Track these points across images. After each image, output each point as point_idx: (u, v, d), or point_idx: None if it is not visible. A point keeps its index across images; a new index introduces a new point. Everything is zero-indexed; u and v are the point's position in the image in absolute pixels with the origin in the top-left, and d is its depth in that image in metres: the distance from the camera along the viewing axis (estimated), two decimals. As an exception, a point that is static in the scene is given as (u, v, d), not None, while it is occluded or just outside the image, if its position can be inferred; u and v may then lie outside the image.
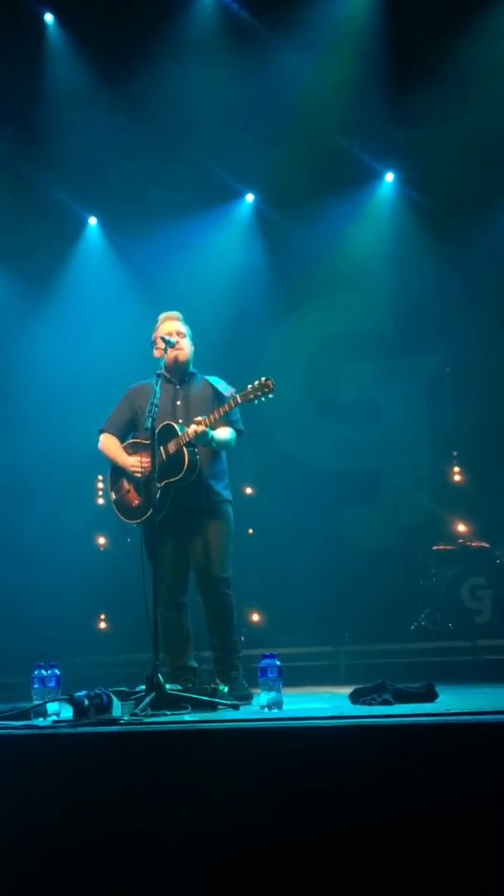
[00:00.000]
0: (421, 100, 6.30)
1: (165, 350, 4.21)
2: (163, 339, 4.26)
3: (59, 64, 6.59)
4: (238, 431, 4.35)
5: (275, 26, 6.34)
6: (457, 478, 7.38)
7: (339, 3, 6.30)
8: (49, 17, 6.54)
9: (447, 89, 6.22)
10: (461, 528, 7.15)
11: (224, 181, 7.25)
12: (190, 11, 6.37)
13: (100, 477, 7.24)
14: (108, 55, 6.37)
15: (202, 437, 4.11)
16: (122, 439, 4.41)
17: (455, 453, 7.43)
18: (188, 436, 4.11)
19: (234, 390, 4.20)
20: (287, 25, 6.30)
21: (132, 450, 4.34)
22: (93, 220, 7.65)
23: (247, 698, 3.98)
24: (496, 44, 6.09)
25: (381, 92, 6.31)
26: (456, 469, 7.40)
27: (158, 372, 4.07)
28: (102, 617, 6.68)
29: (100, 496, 7.32)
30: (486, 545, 6.70)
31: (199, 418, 4.12)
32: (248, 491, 7.24)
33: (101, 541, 7.44)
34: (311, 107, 6.52)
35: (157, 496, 4.02)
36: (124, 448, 4.38)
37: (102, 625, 6.71)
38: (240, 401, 4.13)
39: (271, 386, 4.07)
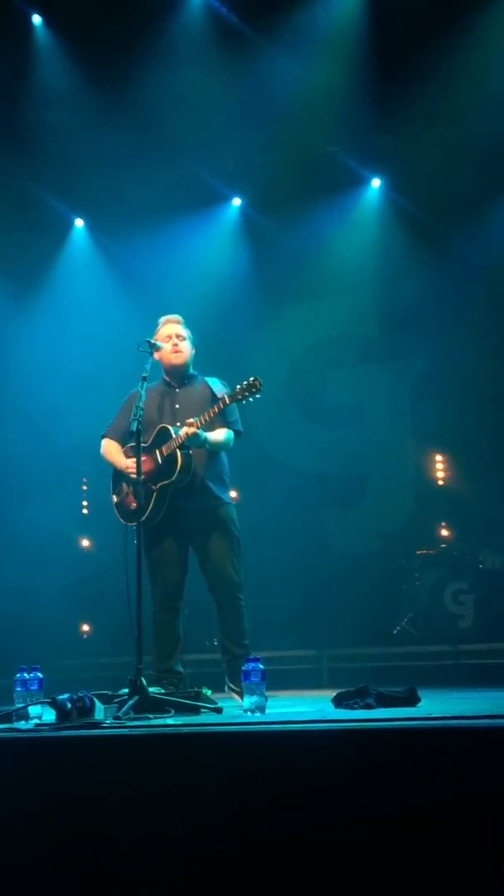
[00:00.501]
0: (407, 106, 6.34)
1: (151, 353, 4.22)
2: (147, 341, 4.27)
3: (47, 65, 6.58)
4: (236, 432, 4.37)
5: (263, 30, 6.36)
6: (441, 482, 7.42)
7: (327, 9, 6.33)
8: (37, 19, 6.52)
9: (434, 96, 6.26)
10: (444, 532, 7.18)
11: (211, 185, 7.26)
12: (178, 14, 6.38)
13: (84, 479, 7.23)
14: (96, 57, 6.37)
15: (194, 439, 4.13)
16: (123, 444, 4.44)
17: (439, 458, 7.47)
18: (180, 438, 4.14)
19: (225, 392, 4.22)
20: (275, 30, 6.33)
21: (132, 453, 4.36)
22: (79, 222, 7.63)
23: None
24: (482, 51, 6.14)
25: (368, 98, 6.34)
26: (440, 474, 7.44)
27: (144, 375, 4.08)
28: (86, 620, 6.67)
29: (84, 506, 7.29)
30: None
31: (191, 420, 4.14)
32: (233, 494, 7.24)
33: (86, 543, 7.42)
34: (298, 112, 6.54)
35: (154, 498, 4.05)
36: (124, 452, 4.41)
37: (86, 628, 6.70)
38: (228, 402, 4.16)
39: (258, 386, 4.10)
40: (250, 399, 4.13)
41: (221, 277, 7.32)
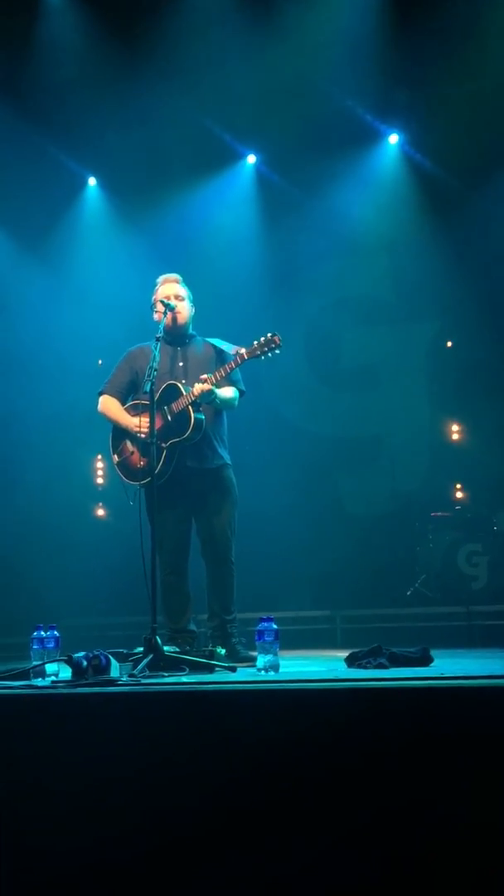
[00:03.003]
0: (428, 59, 6.20)
1: (165, 313, 4.18)
2: (162, 302, 4.23)
3: (57, 22, 6.46)
4: (240, 392, 4.34)
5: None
6: (456, 445, 7.38)
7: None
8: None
9: (455, 49, 6.11)
10: (459, 494, 7.17)
11: (225, 142, 7.15)
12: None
13: (99, 456, 7.22)
14: (107, 12, 6.25)
15: (207, 396, 4.10)
16: (122, 401, 4.39)
17: (454, 420, 7.43)
18: (194, 394, 4.10)
19: (238, 348, 4.18)
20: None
21: (134, 411, 4.32)
22: (92, 181, 7.55)
23: (250, 660, 4.01)
24: (504, 4, 5.97)
25: (386, 51, 6.19)
26: (455, 436, 7.40)
27: (158, 335, 4.04)
28: (101, 580, 6.72)
29: (99, 476, 7.30)
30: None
31: (205, 376, 4.11)
32: (247, 453, 7.25)
33: (101, 503, 7.46)
34: (314, 65, 6.40)
35: (163, 456, 4.02)
36: (126, 410, 4.36)
37: (101, 587, 6.75)
38: (246, 357, 4.11)
39: (278, 342, 4.06)
40: (269, 355, 4.08)
41: (235, 237, 7.24)
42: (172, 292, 4.36)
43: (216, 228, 7.21)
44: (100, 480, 7.42)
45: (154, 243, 7.01)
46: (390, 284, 7.43)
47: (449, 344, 7.38)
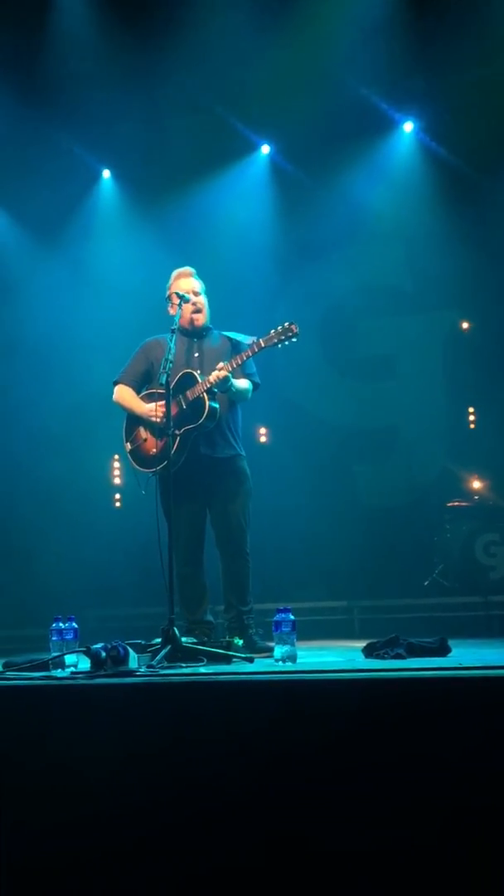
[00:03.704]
0: (443, 46, 6.13)
1: (180, 306, 4.19)
2: (177, 294, 4.23)
3: (72, 12, 6.44)
4: (255, 385, 4.35)
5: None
6: (473, 434, 7.34)
7: None
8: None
9: (470, 34, 6.04)
10: (477, 484, 7.14)
11: (240, 132, 7.12)
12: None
13: (116, 456, 7.24)
14: (122, 4, 6.23)
15: (223, 383, 4.11)
16: (137, 391, 4.41)
17: (471, 409, 7.39)
18: (210, 381, 4.11)
19: (255, 338, 4.18)
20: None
21: (149, 400, 4.33)
22: (106, 173, 7.55)
23: (267, 651, 4.02)
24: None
25: (401, 38, 6.15)
26: (471, 425, 7.36)
27: (173, 328, 4.05)
28: (119, 571, 6.75)
29: (116, 475, 7.33)
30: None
31: (222, 364, 4.11)
32: (263, 444, 7.26)
33: (119, 494, 7.49)
34: (328, 54, 6.36)
35: (176, 443, 4.03)
36: (141, 398, 4.38)
37: (119, 578, 6.78)
38: (263, 345, 4.12)
39: (295, 330, 4.06)
40: (286, 343, 4.09)
41: (250, 227, 7.22)
42: (189, 287, 4.36)
43: (231, 219, 7.19)
44: (117, 472, 7.44)
45: (168, 235, 7.00)
46: (406, 273, 7.38)
47: (465, 325, 7.33)
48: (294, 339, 4.08)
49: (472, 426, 7.35)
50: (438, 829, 2.42)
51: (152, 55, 6.37)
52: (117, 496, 7.45)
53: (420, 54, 6.32)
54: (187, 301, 4.24)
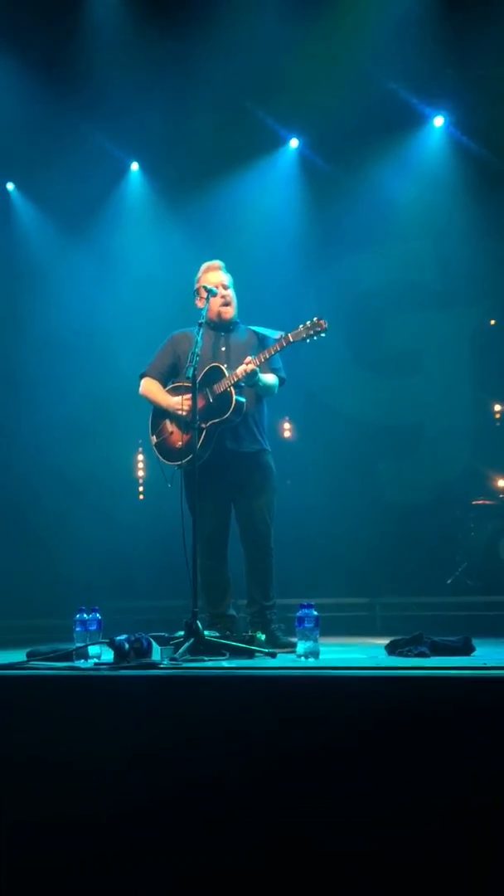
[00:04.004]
0: (474, 40, 6.06)
1: (208, 299, 4.18)
2: (205, 288, 4.23)
3: (102, 5, 6.45)
4: (281, 380, 4.34)
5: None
6: (498, 432, 7.28)
7: None
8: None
9: (501, 29, 5.97)
10: (502, 483, 7.08)
11: (268, 126, 7.10)
12: None
13: (140, 449, 7.27)
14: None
15: (251, 377, 4.10)
16: (164, 384, 4.41)
17: (497, 406, 7.33)
18: (237, 375, 4.11)
19: (283, 333, 4.17)
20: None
21: (175, 393, 4.34)
22: (135, 166, 7.56)
23: (290, 646, 4.01)
24: None
25: (432, 31, 6.08)
26: (498, 423, 7.30)
27: (201, 321, 4.04)
28: (143, 563, 6.78)
29: (140, 467, 7.36)
30: None
31: (249, 358, 4.11)
32: (287, 439, 7.25)
33: (142, 487, 7.52)
34: (358, 48, 6.32)
35: (202, 437, 4.03)
36: (167, 391, 4.38)
37: (143, 571, 6.81)
38: (291, 339, 4.11)
39: (324, 325, 4.05)
40: (314, 338, 4.07)
41: (278, 221, 7.20)
42: (218, 280, 4.36)
43: (259, 213, 7.17)
44: (141, 464, 7.47)
45: (196, 228, 7.00)
46: (435, 269, 7.33)
47: (492, 322, 7.26)
48: (323, 335, 4.07)
49: (498, 424, 7.29)
50: (462, 829, 2.40)
51: (182, 48, 6.36)
52: (141, 488, 7.48)
53: (451, 48, 6.26)
54: (215, 295, 4.24)
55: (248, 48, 6.34)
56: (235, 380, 4.11)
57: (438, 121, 7.05)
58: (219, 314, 4.33)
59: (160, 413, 4.38)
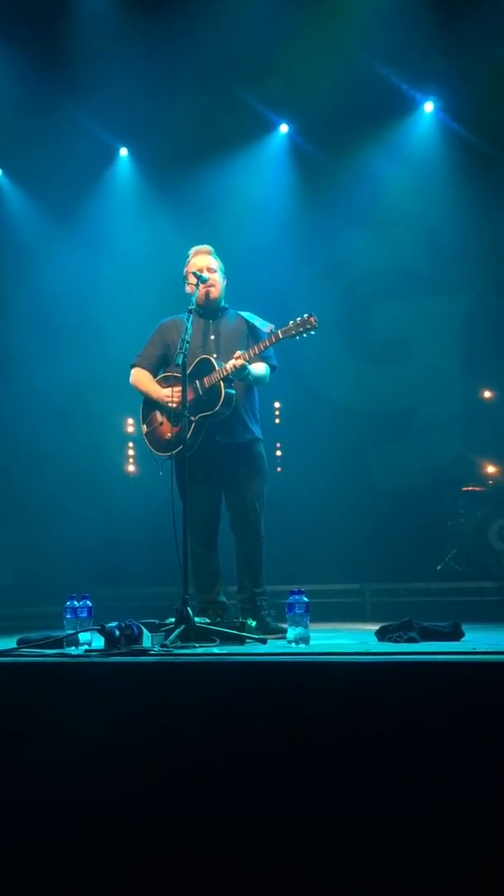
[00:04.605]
0: (464, 25, 6.04)
1: (197, 286, 4.17)
2: (195, 274, 4.21)
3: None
4: (272, 367, 4.33)
5: None
6: (489, 418, 7.31)
7: None
8: None
9: (492, 14, 5.95)
10: (491, 469, 7.11)
11: (258, 111, 7.06)
12: None
13: (129, 420, 7.26)
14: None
15: (240, 372, 4.10)
16: (154, 374, 4.40)
17: (487, 393, 7.34)
18: (227, 370, 4.10)
19: (273, 326, 4.16)
20: None
21: (165, 383, 4.33)
22: (124, 151, 7.52)
23: (280, 632, 4.03)
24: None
25: (422, 17, 6.05)
26: (488, 410, 7.32)
27: (190, 308, 4.03)
28: (133, 550, 6.79)
29: (131, 446, 7.34)
30: None
31: (239, 353, 4.10)
32: (277, 426, 7.25)
33: (132, 471, 7.52)
34: (348, 33, 6.28)
35: (191, 429, 4.02)
36: (157, 382, 4.37)
37: (133, 558, 6.82)
38: (281, 336, 4.09)
39: (314, 322, 4.03)
40: (304, 335, 4.06)
41: (268, 207, 7.18)
42: (205, 264, 4.33)
43: (249, 199, 7.15)
44: (132, 452, 7.46)
45: (186, 214, 6.97)
46: (424, 255, 7.33)
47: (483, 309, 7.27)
48: (312, 332, 4.04)
49: (487, 410, 7.31)
50: (452, 813, 2.42)
51: (171, 34, 6.32)
52: (132, 473, 7.47)
53: (440, 34, 6.24)
54: (205, 281, 4.22)
55: (239, 33, 6.30)
56: (225, 374, 4.11)
57: (428, 106, 7.03)
58: (205, 295, 4.29)
59: (150, 403, 4.38)
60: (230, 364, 4.08)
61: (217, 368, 4.14)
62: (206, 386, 4.15)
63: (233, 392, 4.17)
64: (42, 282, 7.17)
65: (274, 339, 4.11)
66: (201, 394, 4.15)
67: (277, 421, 7.28)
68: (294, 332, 4.06)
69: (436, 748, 2.47)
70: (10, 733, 2.78)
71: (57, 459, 7.09)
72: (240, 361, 4.07)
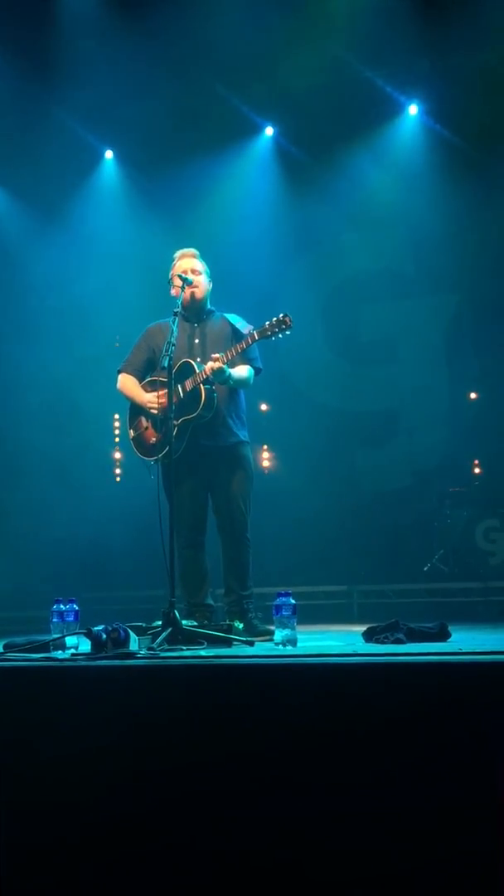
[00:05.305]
0: (448, 29, 6.07)
1: (182, 288, 4.17)
2: (180, 276, 4.21)
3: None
4: (256, 370, 4.33)
5: None
6: (474, 419, 7.34)
7: None
8: None
9: (474, 17, 5.98)
10: (477, 470, 7.14)
11: (243, 113, 7.08)
12: None
13: (116, 416, 7.25)
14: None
15: (219, 375, 4.09)
16: (140, 379, 4.40)
17: (472, 394, 7.38)
18: (205, 373, 4.10)
19: (251, 328, 4.16)
20: None
21: (150, 388, 4.33)
22: (109, 154, 7.51)
23: (267, 634, 4.02)
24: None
25: (406, 20, 6.08)
26: (473, 411, 7.35)
27: (176, 310, 4.03)
28: (120, 554, 6.77)
29: (117, 450, 7.33)
30: None
31: (216, 355, 4.09)
32: (264, 429, 7.26)
33: (118, 475, 7.50)
34: (333, 36, 6.31)
35: (175, 433, 4.02)
36: (143, 386, 4.37)
37: (120, 561, 6.81)
38: (257, 337, 4.09)
39: (289, 322, 4.03)
40: (280, 336, 4.05)
41: (253, 209, 7.19)
42: (189, 266, 4.33)
43: (234, 201, 7.16)
44: (118, 455, 7.45)
45: (171, 216, 6.97)
46: (409, 257, 7.36)
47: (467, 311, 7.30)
48: (288, 332, 4.03)
49: (473, 411, 7.34)
50: (441, 815, 2.43)
51: (156, 36, 6.31)
52: (118, 477, 7.46)
53: (425, 38, 6.26)
54: (189, 284, 4.22)
55: (224, 36, 6.31)
56: (204, 377, 4.10)
57: (413, 109, 7.06)
58: (189, 297, 4.29)
59: (136, 408, 4.39)
60: (208, 367, 4.08)
61: (197, 371, 4.14)
62: (187, 389, 4.15)
63: (214, 395, 4.16)
64: (27, 283, 7.14)
65: (250, 341, 4.11)
66: (183, 397, 4.15)
67: (264, 424, 7.28)
68: (270, 333, 4.06)
69: (423, 748, 2.47)
70: (-3, 738, 2.77)
71: (43, 462, 7.07)
72: (217, 364, 4.06)
